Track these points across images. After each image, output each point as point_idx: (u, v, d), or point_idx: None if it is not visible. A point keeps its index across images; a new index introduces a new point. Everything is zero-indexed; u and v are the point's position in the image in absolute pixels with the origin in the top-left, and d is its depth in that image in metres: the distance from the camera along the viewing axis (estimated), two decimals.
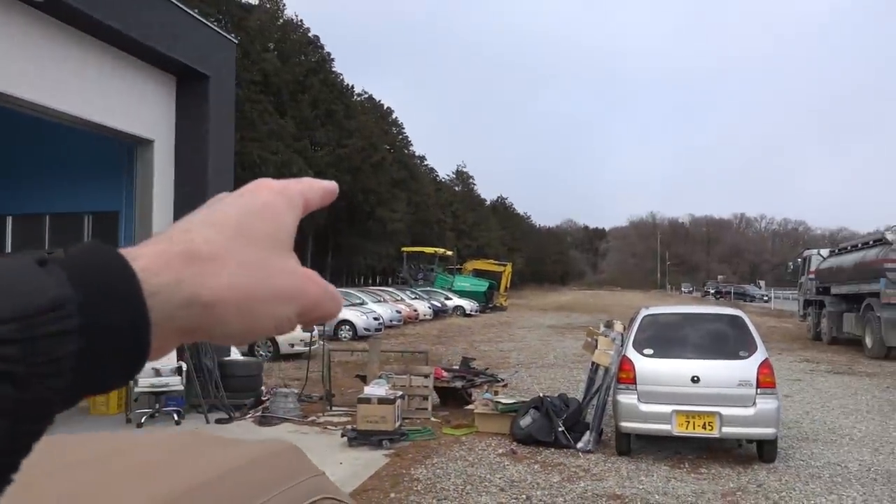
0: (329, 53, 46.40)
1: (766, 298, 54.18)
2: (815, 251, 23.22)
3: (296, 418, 8.71)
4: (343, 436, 7.58)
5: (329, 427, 8.39)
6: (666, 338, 7.40)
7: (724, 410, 6.77)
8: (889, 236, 16.19)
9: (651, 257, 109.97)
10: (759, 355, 6.95)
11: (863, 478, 6.59)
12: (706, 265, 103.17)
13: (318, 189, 0.51)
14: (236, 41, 12.11)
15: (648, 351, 7.20)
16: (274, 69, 39.26)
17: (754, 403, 6.75)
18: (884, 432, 8.63)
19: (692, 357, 7.05)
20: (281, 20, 43.95)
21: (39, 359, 0.36)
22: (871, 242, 17.73)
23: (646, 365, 7.09)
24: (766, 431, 6.81)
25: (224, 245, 0.43)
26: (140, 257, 0.41)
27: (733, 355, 7.01)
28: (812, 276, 22.01)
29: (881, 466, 6.99)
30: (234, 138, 11.60)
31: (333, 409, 9.22)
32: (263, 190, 0.47)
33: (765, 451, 7.02)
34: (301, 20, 45.26)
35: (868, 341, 16.93)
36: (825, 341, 20.31)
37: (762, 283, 71.83)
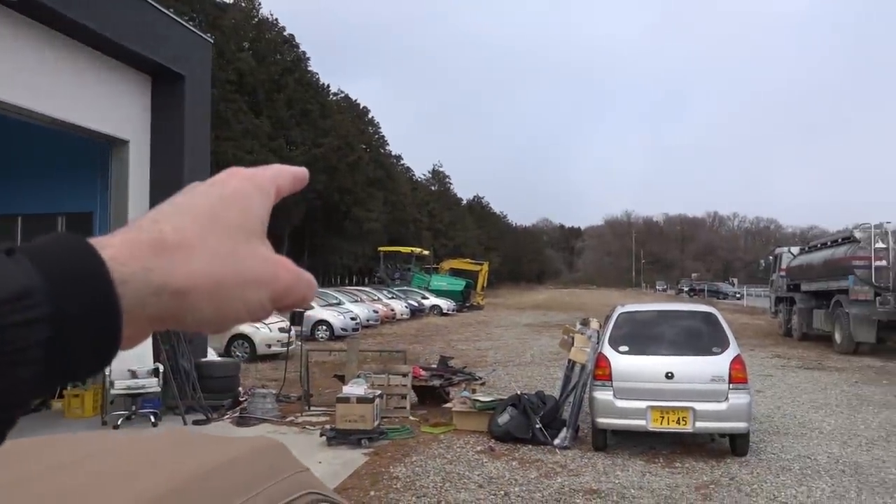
0: (304, 52, 46.14)
1: (738, 296, 54.93)
2: (786, 249, 23.63)
3: (274, 419, 8.70)
4: (322, 435, 7.59)
5: (308, 427, 8.40)
6: (641, 335, 7.52)
7: (698, 405, 6.90)
8: (857, 234, 16.53)
9: (626, 256, 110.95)
10: (732, 351, 7.09)
11: (831, 470, 6.76)
12: (680, 263, 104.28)
13: (288, 175, 0.51)
14: (211, 40, 12.03)
15: (624, 348, 7.31)
16: (249, 68, 38.97)
17: (727, 398, 6.89)
18: (852, 426, 8.83)
19: (666, 354, 7.17)
20: (256, 19, 43.60)
21: (8, 347, 0.36)
22: (839, 240, 18.09)
23: (621, 362, 7.20)
24: (739, 426, 6.95)
25: (194, 233, 0.44)
26: (109, 246, 0.41)
27: (706, 351, 7.15)
28: (783, 273, 22.40)
29: (849, 459, 7.17)
30: (209, 138, 11.53)
31: (312, 408, 9.23)
32: (234, 178, 0.48)
33: (737, 444, 7.16)
34: (276, 19, 44.95)
35: (837, 337, 17.28)
36: (796, 337, 20.69)
37: (735, 280, 72.70)
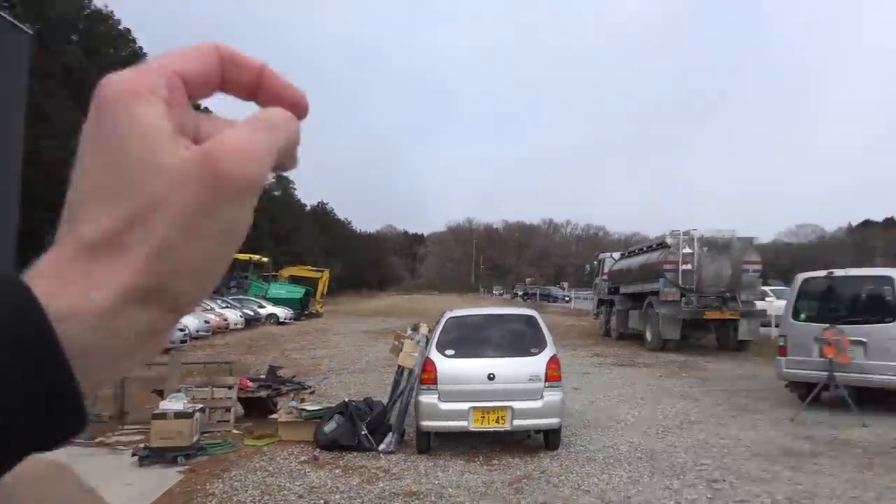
0: (142, 48, 43.40)
1: (567, 299, 58.21)
2: (608, 254, 25.42)
3: (81, 440, 8.10)
4: (133, 455, 7.18)
5: (119, 447, 7.90)
6: (467, 338, 7.80)
7: (516, 404, 7.28)
8: (669, 240, 18.12)
9: (467, 261, 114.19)
10: (549, 351, 7.54)
11: (630, 457, 7.37)
12: (517, 268, 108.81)
13: (189, 54, 0.37)
14: (30, 31, 11.00)
15: (450, 352, 7.55)
16: (77, 62, 36.00)
17: (542, 396, 7.32)
18: (653, 416, 9.68)
19: (490, 356, 7.49)
20: (87, 11, 40.44)
21: None
22: (654, 246, 19.75)
23: (447, 365, 7.42)
24: (552, 422, 7.40)
25: (108, 214, 0.33)
26: (38, 276, 0.32)
27: (526, 352, 7.55)
28: (605, 277, 24.07)
29: (646, 446, 7.85)
30: (21, 135, 10.52)
31: (126, 427, 8.69)
32: (105, 105, 0.35)
33: (550, 439, 7.63)
34: (112, 11, 41.99)
35: (648, 335, 18.84)
36: (614, 337, 22.29)
37: (566, 284, 76.97)
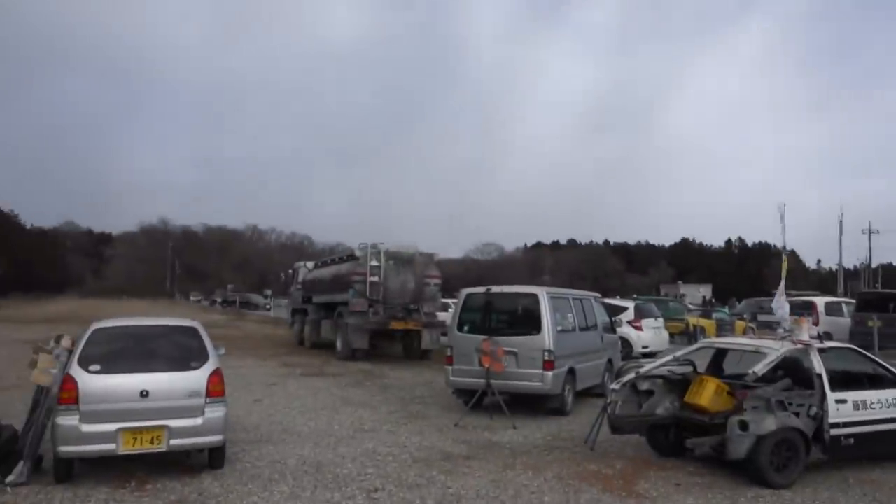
0: None
1: (268, 307, 57.14)
2: (302, 264, 25.35)
3: None
4: None
5: None
6: (117, 352, 7.02)
7: (173, 423, 6.72)
8: (358, 253, 18.58)
9: (162, 265, 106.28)
10: (211, 365, 7.09)
11: (297, 471, 7.25)
12: (218, 274, 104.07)
13: None
14: None
15: (95, 367, 6.72)
16: None
17: (203, 413, 6.86)
18: (328, 427, 9.71)
19: (143, 371, 6.81)
20: None
21: None
22: (344, 258, 20.11)
23: (91, 382, 6.59)
24: (214, 439, 6.98)
25: None
26: None
27: (185, 366, 7.01)
28: (299, 286, 23.95)
29: (315, 458, 7.81)
30: None
31: None
32: None
33: (214, 458, 7.20)
34: None
35: (338, 345, 19.12)
36: (307, 346, 22.28)
37: (269, 292, 75.54)
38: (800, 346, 7.60)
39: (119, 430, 6.54)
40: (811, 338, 7.82)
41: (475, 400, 10.47)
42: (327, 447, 8.43)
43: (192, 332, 7.47)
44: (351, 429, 9.60)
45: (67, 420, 6.45)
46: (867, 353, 8.36)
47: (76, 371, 6.62)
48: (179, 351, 7.21)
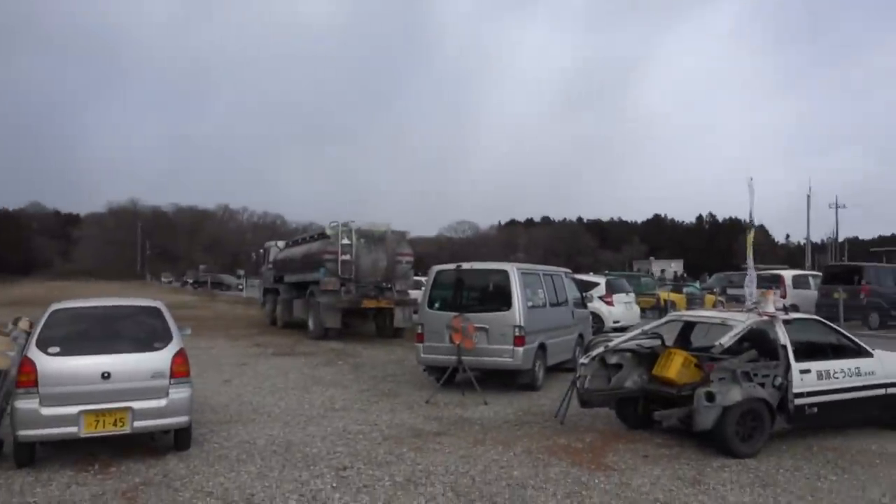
0: None
1: (240, 287, 56.65)
2: (273, 243, 25.07)
3: None
4: None
5: None
6: (77, 334, 6.88)
7: (137, 404, 6.60)
8: (328, 231, 18.39)
9: (132, 246, 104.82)
10: (175, 346, 6.97)
11: (265, 451, 7.18)
12: (189, 255, 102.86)
13: None
14: None
15: (55, 349, 6.56)
16: None
17: (167, 394, 6.75)
18: (299, 406, 9.64)
19: (105, 352, 6.67)
20: None
21: None
22: (315, 236, 19.91)
23: (50, 365, 6.44)
24: (179, 420, 6.88)
25: None
26: None
27: (148, 347, 6.88)
28: (271, 266, 23.72)
29: (284, 438, 7.74)
30: None
31: None
32: None
33: (179, 439, 7.10)
34: None
35: (311, 324, 19.00)
36: (279, 326, 22.12)
37: (242, 272, 74.85)
38: (765, 317, 7.67)
39: (81, 412, 6.41)
40: (776, 310, 7.89)
41: (446, 377, 10.46)
42: (297, 427, 8.36)
43: (155, 312, 7.33)
44: (322, 408, 9.54)
45: (27, 403, 6.30)
46: (831, 324, 8.48)
47: (34, 353, 6.46)
48: (142, 332, 7.07)
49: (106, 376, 6.49)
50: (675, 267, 79.88)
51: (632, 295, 20.85)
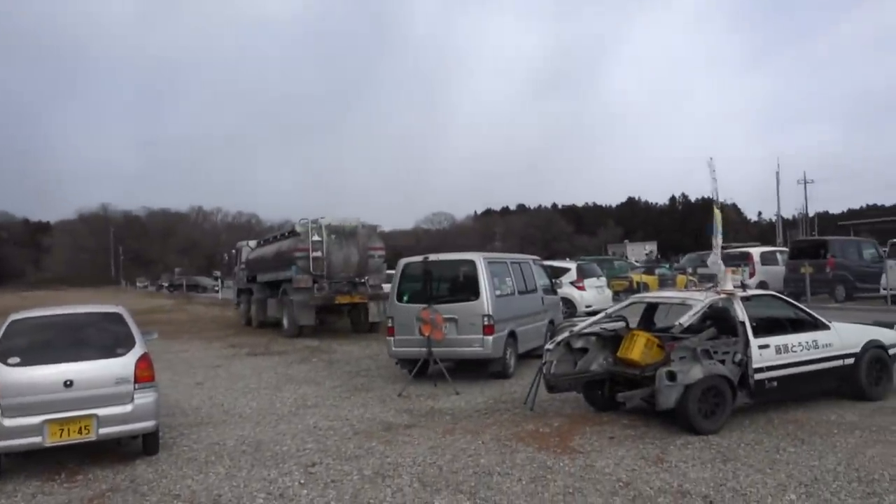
0: None
1: (216, 289, 56.16)
2: (245, 243, 24.94)
3: None
4: None
5: None
6: (38, 343, 6.82)
7: (101, 411, 6.57)
8: (298, 228, 18.34)
9: (105, 252, 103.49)
10: (138, 350, 6.94)
11: (234, 451, 7.18)
12: (164, 258, 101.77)
13: None
14: None
15: (15, 360, 6.51)
16: None
17: (132, 400, 6.72)
18: (271, 406, 9.64)
19: (67, 360, 6.62)
20: None
21: None
22: (286, 234, 19.84)
23: (11, 375, 6.39)
24: (146, 425, 6.85)
25: None
26: None
27: (111, 353, 6.85)
28: (243, 266, 23.59)
29: (254, 438, 7.75)
30: None
31: None
32: None
33: (147, 444, 7.09)
34: None
35: (285, 322, 18.95)
36: (254, 326, 22.05)
37: (218, 274, 74.13)
38: (724, 295, 7.82)
39: (44, 421, 6.37)
40: (735, 287, 8.04)
41: (417, 369, 10.51)
42: (268, 426, 8.38)
43: (117, 317, 7.29)
44: (293, 406, 9.56)
45: None
46: (788, 299, 8.66)
47: None
48: (104, 338, 7.03)
49: (69, 384, 6.45)
50: (649, 249, 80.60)
51: (603, 279, 21.05)
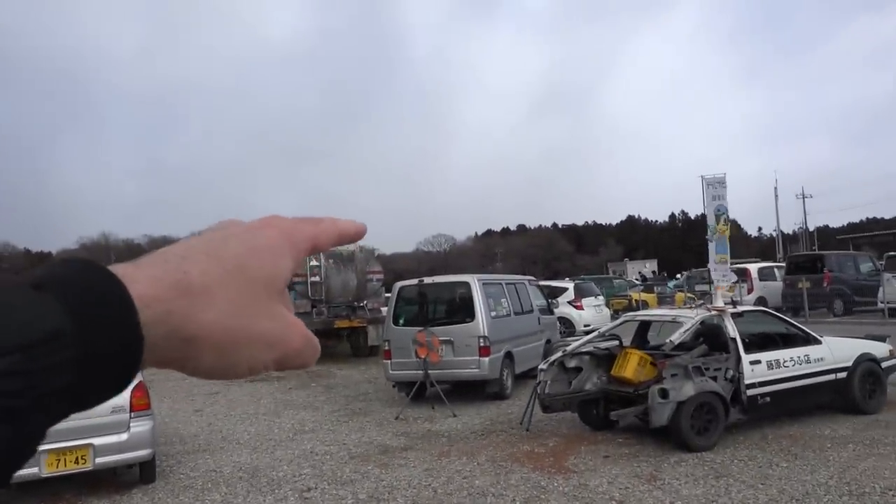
0: None
1: None
2: None
3: None
4: None
5: None
6: None
7: (98, 441, 6.62)
8: None
9: None
10: (133, 379, 6.99)
11: (231, 478, 7.22)
12: None
13: (333, 232, 0.51)
14: None
15: None
16: None
17: (128, 428, 6.77)
18: (268, 432, 9.67)
19: None
20: None
21: (38, 391, 0.35)
22: None
23: None
24: (142, 454, 6.89)
25: (218, 280, 0.43)
26: (135, 282, 0.40)
27: None
28: None
29: (251, 464, 7.78)
30: None
31: None
32: (270, 228, 0.47)
33: (144, 472, 7.12)
34: None
35: None
36: None
37: None
38: (714, 312, 7.88)
39: (41, 452, 6.41)
40: (725, 304, 8.11)
41: (414, 391, 10.55)
42: (265, 452, 8.40)
43: None
44: (291, 431, 9.58)
45: None
46: (779, 314, 8.72)
47: None
48: None
49: None
50: (650, 267, 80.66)
51: (601, 298, 21.10)
